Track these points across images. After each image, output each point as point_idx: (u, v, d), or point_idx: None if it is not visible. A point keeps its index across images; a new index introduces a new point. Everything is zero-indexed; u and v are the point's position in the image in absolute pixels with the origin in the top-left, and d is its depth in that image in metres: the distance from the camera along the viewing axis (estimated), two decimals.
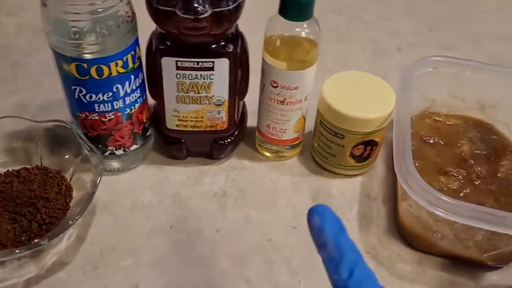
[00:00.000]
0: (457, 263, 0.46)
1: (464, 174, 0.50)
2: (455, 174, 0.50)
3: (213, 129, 0.51)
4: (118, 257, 0.45)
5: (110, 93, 0.45)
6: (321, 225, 0.27)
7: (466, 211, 0.40)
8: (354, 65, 0.70)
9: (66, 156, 0.50)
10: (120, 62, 0.43)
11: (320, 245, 0.27)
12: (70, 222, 0.41)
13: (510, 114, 0.55)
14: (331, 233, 0.27)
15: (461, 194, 0.48)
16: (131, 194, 0.51)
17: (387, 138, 0.54)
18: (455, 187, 0.49)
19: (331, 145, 0.52)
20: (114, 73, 0.43)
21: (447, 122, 0.57)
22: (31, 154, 0.51)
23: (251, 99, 0.54)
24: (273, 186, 0.53)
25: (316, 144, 0.54)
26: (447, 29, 0.80)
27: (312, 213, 0.28)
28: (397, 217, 0.49)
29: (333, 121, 0.50)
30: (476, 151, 0.53)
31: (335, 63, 0.69)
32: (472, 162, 0.52)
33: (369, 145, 0.51)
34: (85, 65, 0.42)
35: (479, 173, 0.51)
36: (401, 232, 0.48)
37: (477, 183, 0.50)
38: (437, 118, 0.57)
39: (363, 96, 0.50)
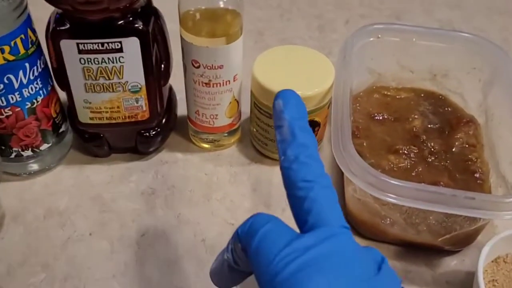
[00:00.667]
0: (411, 250, 0.42)
1: (416, 151, 0.46)
2: (406, 152, 0.45)
3: (133, 120, 0.45)
4: (28, 273, 0.40)
5: (1, 85, 0.39)
6: (282, 107, 0.27)
7: (412, 192, 0.35)
8: (299, 42, 0.65)
9: None
10: (6, 48, 0.37)
11: (277, 127, 0.27)
12: None
13: (464, 83, 0.51)
14: (290, 116, 0.27)
15: (413, 173, 0.44)
16: (46, 200, 0.45)
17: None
18: (406, 166, 0.44)
19: (268, 129, 0.46)
20: (1, 61, 0.37)
21: (397, 96, 0.52)
22: None
23: (182, 84, 0.48)
24: (208, 179, 0.47)
25: (254, 130, 0.49)
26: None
27: (277, 96, 0.27)
28: (345, 203, 0.44)
29: (267, 102, 0.44)
30: (429, 125, 0.49)
31: (278, 41, 0.64)
32: (425, 137, 0.47)
33: (311, 126, 0.45)
34: None
35: (432, 149, 0.46)
36: (349, 219, 0.43)
37: (430, 160, 0.45)
38: (386, 93, 0.53)
39: (299, 73, 0.45)
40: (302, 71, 0.45)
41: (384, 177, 0.35)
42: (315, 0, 0.75)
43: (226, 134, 0.49)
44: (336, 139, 0.39)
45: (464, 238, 0.41)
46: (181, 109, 0.51)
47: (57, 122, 0.45)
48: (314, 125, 0.46)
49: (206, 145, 0.50)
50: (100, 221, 0.43)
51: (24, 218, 0.43)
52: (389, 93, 0.53)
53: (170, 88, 0.50)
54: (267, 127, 0.46)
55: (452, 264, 0.41)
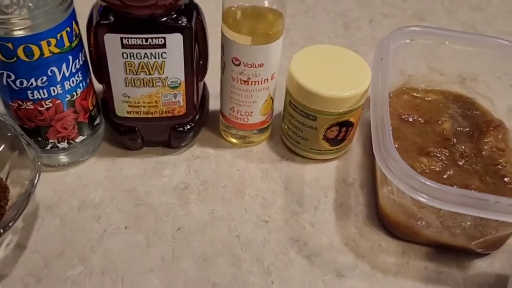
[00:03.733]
0: (443, 251, 0.42)
1: (447, 154, 0.46)
2: (438, 154, 0.46)
3: (169, 115, 0.45)
4: (65, 265, 0.40)
5: (45, 78, 0.38)
6: None
7: (454, 197, 0.35)
8: (324, 40, 0.65)
9: (0, 150, 0.44)
10: (53, 41, 0.37)
11: None
12: (1, 230, 0.35)
13: (493, 87, 0.51)
14: None
15: (445, 176, 0.44)
16: (80, 192, 0.45)
17: (364, 117, 0.50)
18: (438, 169, 0.45)
19: (302, 127, 0.47)
20: (47, 54, 0.37)
21: (426, 98, 0.53)
22: None
23: (213, 79, 0.48)
24: (240, 176, 0.48)
25: (286, 127, 0.49)
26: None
27: None
28: (378, 204, 0.44)
29: (303, 101, 0.45)
30: (458, 128, 0.49)
31: (303, 38, 0.64)
32: (455, 140, 0.48)
33: (344, 126, 0.46)
34: (9, 45, 0.35)
35: (463, 152, 0.47)
36: (382, 220, 0.44)
37: (461, 163, 0.46)
38: (415, 94, 0.53)
39: (336, 73, 0.45)
40: (339, 71, 0.45)
41: (428, 181, 0.36)
42: None
43: (256, 131, 0.50)
44: (377, 141, 0.39)
45: (495, 242, 0.42)
46: (212, 104, 0.51)
47: (93, 114, 0.45)
48: (348, 125, 0.46)
49: (235, 141, 0.50)
50: (135, 215, 0.44)
51: (59, 210, 0.44)
52: (418, 95, 0.53)
53: (204, 84, 0.50)
54: (301, 125, 0.46)
55: (482, 266, 0.42)
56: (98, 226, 0.43)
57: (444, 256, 0.42)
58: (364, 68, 0.45)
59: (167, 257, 0.41)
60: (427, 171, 0.44)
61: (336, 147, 0.48)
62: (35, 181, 0.38)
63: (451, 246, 0.41)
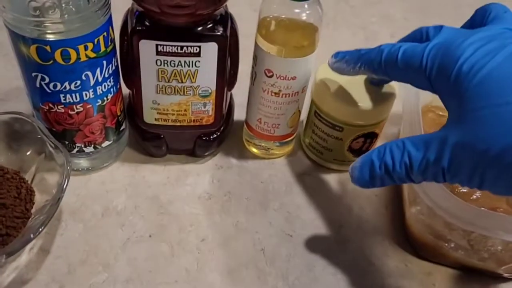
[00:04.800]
0: (470, 274, 0.42)
1: None
2: None
3: (197, 124, 0.44)
4: (89, 272, 0.39)
5: (79, 82, 0.38)
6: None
7: (495, 222, 0.35)
8: None
9: (27, 153, 0.43)
10: (90, 45, 0.36)
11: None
12: (32, 235, 0.35)
13: None
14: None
15: (473, 198, 0.44)
16: (103, 198, 0.45)
17: (385, 128, 0.49)
18: (465, 190, 0.44)
19: (327, 138, 0.46)
20: (83, 58, 0.37)
21: None
22: None
23: (238, 89, 0.48)
24: (264, 188, 0.47)
25: (309, 138, 0.49)
26: (439, 13, 0.76)
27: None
28: (405, 223, 0.44)
29: (331, 112, 0.44)
30: None
31: (326, 50, 0.64)
32: None
33: (369, 137, 0.46)
34: (47, 47, 0.35)
35: None
36: (409, 240, 0.43)
37: None
38: (441, 113, 0.53)
39: (362, 85, 0.45)
40: (365, 83, 0.45)
41: (467, 205, 0.35)
42: (359, 11, 0.75)
43: (278, 144, 0.49)
44: None
45: None
46: (235, 114, 0.51)
47: (120, 120, 0.45)
48: (372, 136, 0.46)
49: (257, 151, 0.50)
50: (158, 223, 0.43)
51: (82, 215, 0.43)
52: (444, 114, 0.53)
53: (231, 94, 0.50)
54: (326, 136, 0.46)
55: None
56: (121, 234, 0.42)
57: (471, 279, 0.42)
58: (390, 82, 0.45)
59: (191, 268, 0.40)
60: (454, 192, 0.44)
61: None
62: (64, 186, 0.38)
63: (478, 269, 0.41)
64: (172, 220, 0.44)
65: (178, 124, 0.44)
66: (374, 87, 0.44)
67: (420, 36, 0.35)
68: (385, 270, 0.42)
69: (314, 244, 0.43)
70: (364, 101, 0.43)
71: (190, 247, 0.42)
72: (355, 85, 0.44)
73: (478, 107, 0.27)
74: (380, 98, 0.43)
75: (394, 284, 0.41)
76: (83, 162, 0.45)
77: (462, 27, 0.35)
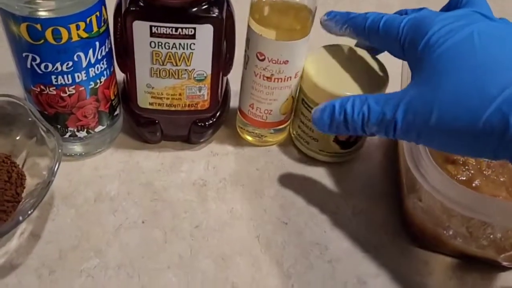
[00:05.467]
0: (468, 263, 0.41)
1: (473, 163, 0.45)
2: (464, 164, 0.45)
3: (192, 108, 0.44)
4: (80, 258, 0.38)
5: (71, 63, 0.37)
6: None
7: (495, 208, 0.34)
8: (344, 41, 0.64)
9: (17, 138, 0.43)
10: (82, 25, 0.36)
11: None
12: (21, 217, 0.34)
13: None
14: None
15: (473, 185, 0.43)
16: (96, 184, 0.44)
17: None
18: (464, 178, 0.43)
19: (313, 127, 0.45)
20: (75, 38, 0.36)
21: None
22: None
23: (234, 76, 0.47)
24: (260, 175, 0.47)
25: (296, 127, 0.48)
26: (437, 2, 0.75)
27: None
28: (403, 211, 0.43)
29: (317, 99, 0.43)
30: None
31: (321, 37, 0.63)
32: None
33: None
34: (38, 26, 0.34)
35: (489, 163, 0.45)
36: (407, 228, 0.43)
37: (487, 174, 0.44)
38: None
39: (352, 72, 0.43)
40: (355, 71, 0.44)
41: (463, 189, 0.35)
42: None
43: (272, 131, 0.48)
44: (410, 150, 0.38)
45: None
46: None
47: (113, 104, 0.44)
48: None
49: (251, 139, 0.49)
50: (152, 210, 0.42)
51: (74, 200, 0.42)
52: None
53: (227, 80, 0.49)
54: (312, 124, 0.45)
55: (508, 280, 0.41)
56: (114, 219, 0.41)
57: (469, 268, 0.41)
58: (382, 70, 0.44)
59: (184, 255, 0.40)
60: (454, 179, 0.43)
61: (347, 150, 0.47)
62: (55, 169, 0.37)
63: (477, 257, 0.40)
64: (166, 207, 0.43)
65: (173, 109, 0.43)
66: (364, 75, 0.43)
67: (403, 14, 0.39)
68: (381, 259, 0.41)
69: (309, 232, 0.42)
70: (353, 88, 0.42)
71: (184, 234, 0.41)
72: (344, 73, 0.43)
73: (431, 76, 0.31)
74: (370, 85, 0.42)
75: (390, 272, 0.40)
76: (76, 148, 0.45)
77: (440, 10, 0.38)
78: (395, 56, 0.38)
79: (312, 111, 0.37)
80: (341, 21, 0.41)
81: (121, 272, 0.38)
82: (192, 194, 0.44)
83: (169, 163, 0.46)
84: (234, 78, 0.48)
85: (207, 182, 0.45)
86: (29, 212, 0.34)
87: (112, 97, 0.43)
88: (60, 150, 0.38)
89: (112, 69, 0.42)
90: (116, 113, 0.45)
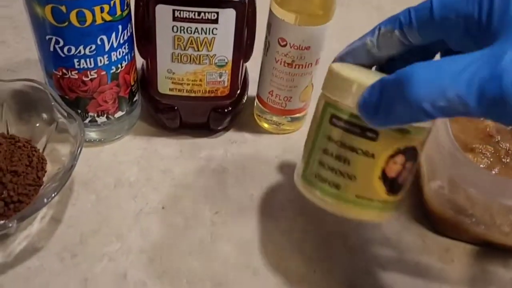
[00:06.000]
0: (489, 250, 0.41)
1: (492, 151, 0.45)
2: (483, 151, 0.44)
3: (212, 95, 0.44)
4: (102, 242, 0.38)
5: (93, 46, 0.37)
6: None
7: None
8: (361, 32, 0.64)
9: (37, 124, 0.43)
10: (106, 7, 0.35)
11: None
12: (45, 200, 0.34)
13: None
14: None
15: (492, 173, 0.43)
16: (115, 169, 0.44)
17: None
18: (484, 166, 0.43)
19: (351, 155, 0.30)
20: (99, 21, 0.36)
21: None
22: None
23: (252, 64, 0.47)
24: (279, 163, 0.46)
25: (316, 164, 0.32)
26: None
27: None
28: (423, 199, 0.43)
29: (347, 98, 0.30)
30: (501, 126, 0.48)
31: (340, 29, 0.63)
32: (499, 138, 0.46)
33: (411, 156, 0.31)
34: (63, 8, 0.34)
35: (508, 150, 0.45)
36: (427, 216, 0.43)
37: (506, 161, 0.44)
38: None
39: (372, 72, 0.34)
40: (375, 73, 0.34)
41: (487, 173, 0.34)
42: None
43: (290, 119, 0.48)
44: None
45: None
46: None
47: (133, 90, 0.44)
48: (412, 157, 0.31)
49: (268, 126, 0.49)
50: (172, 195, 0.42)
51: (94, 186, 0.42)
52: None
53: (245, 68, 0.49)
54: (349, 151, 0.31)
55: None
56: (134, 205, 0.41)
57: (491, 255, 0.41)
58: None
59: (205, 240, 0.39)
60: None
61: (394, 196, 0.32)
62: (77, 153, 0.37)
63: (499, 244, 0.40)
64: (185, 193, 0.43)
65: (193, 95, 0.43)
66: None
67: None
68: (402, 246, 0.41)
69: (329, 220, 0.42)
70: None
71: (204, 220, 0.41)
72: (366, 70, 0.34)
73: None
74: None
75: (411, 259, 0.40)
76: (95, 134, 0.44)
77: None
78: (455, 48, 0.29)
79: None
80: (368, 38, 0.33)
81: (143, 256, 0.38)
82: (212, 180, 0.44)
83: (188, 150, 0.46)
84: (252, 66, 0.47)
85: (226, 168, 0.45)
86: (53, 195, 0.34)
87: (132, 83, 0.43)
88: (82, 134, 0.38)
89: (132, 55, 0.42)
90: (135, 99, 0.45)
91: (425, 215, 0.43)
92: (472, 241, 0.41)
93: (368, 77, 0.29)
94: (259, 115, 0.49)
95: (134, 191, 0.42)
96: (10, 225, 0.33)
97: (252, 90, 0.50)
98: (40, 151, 0.42)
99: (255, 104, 0.49)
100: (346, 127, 0.30)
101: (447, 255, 0.41)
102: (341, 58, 0.34)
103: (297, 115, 0.48)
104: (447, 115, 0.24)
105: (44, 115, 0.42)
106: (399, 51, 0.32)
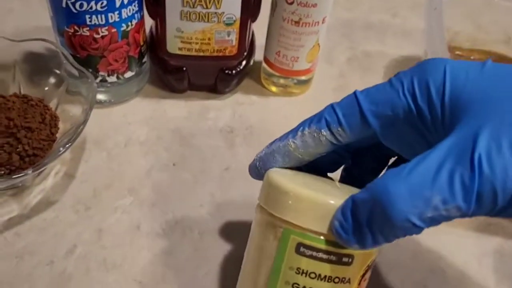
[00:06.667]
0: None
1: None
2: None
3: (220, 54, 0.44)
4: (114, 196, 0.39)
5: (105, 2, 0.38)
6: None
7: None
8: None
9: (46, 88, 0.43)
10: None
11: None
12: (61, 149, 0.35)
13: None
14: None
15: None
16: (125, 129, 0.45)
17: None
18: None
19: (327, 287, 0.26)
20: None
21: (471, 57, 0.52)
22: (6, 85, 0.43)
23: (258, 31, 0.47)
24: (287, 123, 0.47)
25: None
26: None
27: None
28: None
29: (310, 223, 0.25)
30: None
31: None
32: None
33: (371, 268, 0.28)
34: None
35: None
36: None
37: None
38: (459, 53, 0.53)
39: (324, 184, 0.30)
40: (327, 184, 0.30)
41: None
42: None
43: (296, 81, 0.49)
44: None
45: None
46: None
47: (142, 50, 0.44)
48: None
49: (275, 89, 0.50)
50: (181, 154, 0.43)
51: (105, 144, 0.43)
52: (462, 54, 0.53)
53: (252, 31, 0.49)
54: (324, 284, 0.26)
55: None
56: (145, 162, 0.42)
57: None
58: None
59: (216, 194, 0.40)
60: None
61: None
62: (91, 104, 0.38)
63: None
64: (195, 152, 0.43)
65: (202, 54, 0.44)
66: (334, 184, 0.30)
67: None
68: None
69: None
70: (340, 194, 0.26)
71: (214, 175, 0.42)
72: (322, 186, 0.29)
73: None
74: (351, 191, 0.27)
75: None
76: (104, 96, 0.45)
77: None
78: (390, 141, 0.27)
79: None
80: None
81: (156, 209, 0.39)
82: (220, 140, 0.45)
83: (196, 111, 0.47)
84: (258, 33, 0.48)
85: (234, 129, 0.46)
86: (68, 145, 0.35)
87: (142, 43, 0.44)
88: (94, 90, 0.38)
89: (142, 14, 0.42)
90: (144, 60, 0.45)
91: None
92: None
93: (330, 192, 0.27)
94: (266, 78, 0.50)
95: (144, 149, 0.43)
96: (28, 172, 0.33)
97: (258, 56, 0.50)
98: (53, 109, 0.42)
99: (262, 67, 0.50)
100: (318, 256, 0.25)
101: None
102: (261, 159, 0.30)
103: (304, 77, 0.49)
104: (441, 222, 0.21)
105: (55, 77, 0.43)
106: (326, 150, 0.28)
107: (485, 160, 0.20)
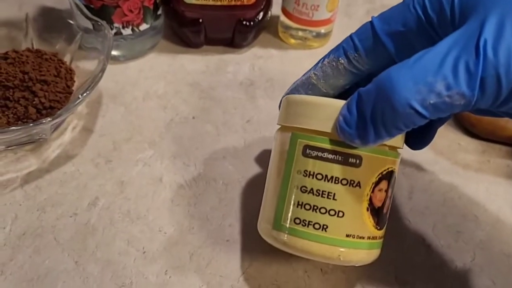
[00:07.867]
0: None
1: None
2: None
3: (238, 3, 0.43)
4: (135, 149, 0.38)
5: None
6: None
7: None
8: None
9: (57, 46, 0.42)
10: None
11: None
12: (80, 96, 0.33)
13: None
14: None
15: None
16: (142, 84, 0.43)
17: None
18: None
19: (334, 188, 0.26)
20: None
21: None
22: (19, 41, 0.42)
23: None
24: None
25: (293, 208, 0.26)
26: None
27: None
28: None
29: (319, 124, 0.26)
30: None
31: None
32: None
33: (390, 182, 0.27)
34: None
35: None
36: (460, 119, 0.42)
37: None
38: None
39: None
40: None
41: None
42: None
43: (315, 34, 0.47)
44: None
45: None
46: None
47: (157, 2, 0.43)
48: (391, 177, 0.27)
49: (294, 41, 0.48)
50: (201, 107, 0.42)
51: (122, 99, 0.42)
52: None
53: None
54: (333, 185, 0.26)
55: None
56: (164, 115, 0.41)
57: None
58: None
59: (239, 146, 0.39)
60: None
61: (379, 230, 0.27)
62: (107, 55, 0.36)
63: None
64: (215, 104, 0.42)
65: (219, 3, 0.42)
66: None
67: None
68: (438, 148, 0.40)
69: None
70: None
71: (236, 127, 0.40)
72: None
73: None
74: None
75: (448, 160, 0.39)
76: (118, 51, 0.44)
77: None
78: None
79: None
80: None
81: (177, 161, 0.38)
82: (240, 92, 0.43)
83: (214, 65, 0.46)
84: None
85: (254, 82, 0.44)
86: (85, 94, 0.34)
87: None
88: (110, 38, 0.37)
89: None
90: (159, 12, 0.44)
91: (459, 120, 0.42)
92: (508, 141, 0.41)
93: (334, 100, 0.26)
94: (284, 32, 0.49)
95: (163, 103, 0.42)
96: (45, 121, 0.32)
97: (275, 11, 0.49)
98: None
99: (280, 21, 0.48)
100: (324, 156, 0.25)
101: (483, 156, 0.40)
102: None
103: (323, 30, 0.47)
104: (445, 112, 0.21)
105: (68, 32, 0.41)
106: (348, 81, 0.28)
107: (490, 46, 0.20)
